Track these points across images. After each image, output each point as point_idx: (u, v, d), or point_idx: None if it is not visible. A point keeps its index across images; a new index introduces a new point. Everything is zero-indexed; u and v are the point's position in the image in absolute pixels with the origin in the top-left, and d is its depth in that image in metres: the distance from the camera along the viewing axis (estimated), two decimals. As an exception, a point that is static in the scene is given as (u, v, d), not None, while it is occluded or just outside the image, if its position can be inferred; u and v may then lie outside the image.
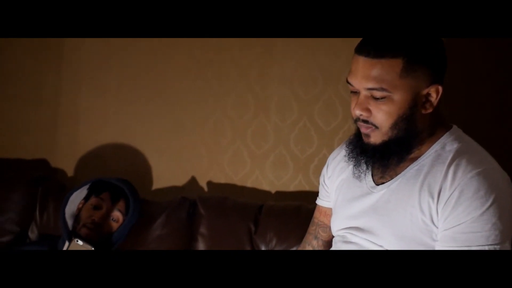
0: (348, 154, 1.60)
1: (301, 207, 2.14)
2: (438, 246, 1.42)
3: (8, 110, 2.50)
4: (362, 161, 1.55)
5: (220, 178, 2.38)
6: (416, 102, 1.45)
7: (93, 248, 1.88)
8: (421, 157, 1.50)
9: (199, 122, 2.39)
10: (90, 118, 2.46)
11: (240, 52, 2.34)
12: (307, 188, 2.32)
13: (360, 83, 1.45)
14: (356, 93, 1.49)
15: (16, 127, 2.50)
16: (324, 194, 1.77)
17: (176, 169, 2.41)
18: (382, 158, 1.50)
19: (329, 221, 1.73)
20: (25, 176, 2.31)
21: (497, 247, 1.36)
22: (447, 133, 1.52)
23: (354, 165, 1.58)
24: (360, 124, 1.50)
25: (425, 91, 1.46)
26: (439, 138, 1.51)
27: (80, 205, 2.09)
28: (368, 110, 1.46)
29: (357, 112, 1.47)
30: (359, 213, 1.57)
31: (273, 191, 2.36)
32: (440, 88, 1.46)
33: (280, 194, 2.34)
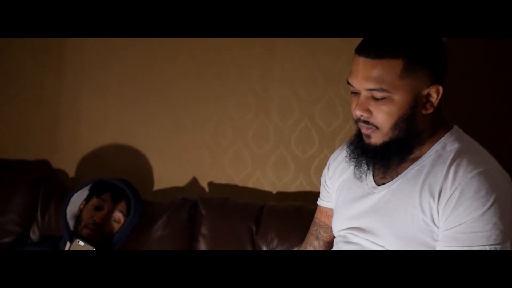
0: (349, 155, 1.60)
1: (302, 207, 2.14)
2: (439, 246, 1.42)
3: (9, 111, 2.50)
4: (363, 161, 1.56)
5: (221, 179, 2.38)
6: (416, 103, 1.45)
7: (94, 249, 1.89)
8: (422, 157, 1.50)
9: (200, 122, 2.39)
10: (91, 118, 2.46)
11: (240, 52, 2.33)
12: (308, 188, 2.32)
13: (360, 83, 1.45)
14: (356, 93, 1.49)
15: (17, 128, 2.50)
16: (325, 194, 1.77)
17: (177, 169, 2.41)
18: (383, 159, 1.50)
19: (330, 221, 1.73)
20: (26, 177, 2.31)
21: (498, 247, 1.36)
22: (448, 133, 1.52)
23: (355, 166, 1.58)
24: (361, 124, 1.50)
25: (425, 92, 1.46)
26: (440, 138, 1.51)
27: (82, 206, 2.09)
28: (368, 111, 1.46)
29: (358, 113, 1.47)
30: (360, 213, 1.57)
31: (274, 191, 2.36)
32: (441, 89, 1.46)
33: (281, 195, 2.34)
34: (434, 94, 1.46)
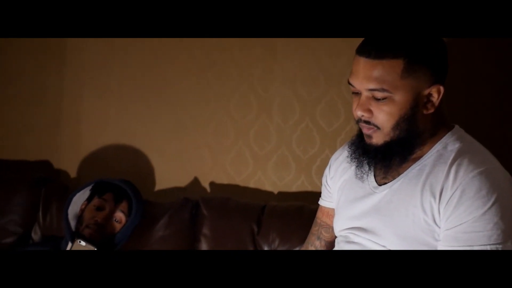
0: (351, 155, 1.60)
1: (304, 207, 2.14)
2: (440, 246, 1.43)
3: (10, 111, 2.50)
4: (365, 162, 1.56)
5: (222, 179, 2.39)
6: (417, 103, 1.45)
7: (95, 249, 1.89)
8: (423, 157, 1.50)
9: (201, 122, 2.39)
10: (92, 119, 2.45)
11: (241, 52, 2.33)
12: (309, 188, 2.32)
13: (361, 84, 1.46)
14: (357, 94, 1.49)
15: (18, 128, 2.50)
16: (326, 194, 1.78)
17: (178, 170, 2.41)
18: (384, 159, 1.50)
19: (332, 221, 1.73)
20: (27, 178, 2.31)
21: (499, 247, 1.36)
22: (449, 133, 1.52)
23: (357, 166, 1.59)
24: (362, 125, 1.50)
25: (426, 92, 1.46)
26: (441, 138, 1.51)
27: (83, 206, 2.09)
28: (369, 111, 1.47)
29: (359, 113, 1.48)
30: (362, 213, 1.57)
31: (275, 191, 2.36)
32: (442, 88, 1.46)
33: (283, 195, 2.34)
34: (435, 94, 1.46)
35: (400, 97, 1.44)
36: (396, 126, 1.46)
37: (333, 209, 1.73)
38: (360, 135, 1.57)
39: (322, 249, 1.77)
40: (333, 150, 1.89)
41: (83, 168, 2.46)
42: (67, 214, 2.07)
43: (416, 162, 1.51)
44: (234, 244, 2.11)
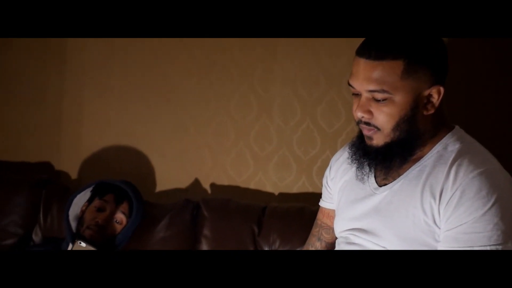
0: (351, 156, 1.60)
1: (304, 208, 2.14)
2: (441, 247, 1.42)
3: (11, 112, 2.50)
4: (365, 163, 1.56)
5: (223, 180, 2.39)
6: (417, 104, 1.45)
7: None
8: (423, 158, 1.50)
9: (202, 123, 2.39)
10: (93, 120, 2.45)
11: (241, 52, 2.33)
12: (310, 189, 2.32)
13: (361, 85, 1.45)
14: (357, 95, 1.49)
15: (19, 130, 2.50)
16: (327, 195, 1.78)
17: (179, 171, 2.41)
18: (385, 160, 1.50)
19: (332, 222, 1.73)
20: (28, 179, 2.31)
21: (500, 247, 1.36)
22: (449, 133, 1.52)
23: (357, 167, 1.58)
24: (362, 126, 1.50)
25: (426, 92, 1.46)
26: (441, 139, 1.51)
27: (84, 207, 2.09)
28: (369, 112, 1.46)
29: (359, 114, 1.48)
30: (362, 214, 1.57)
31: (276, 192, 2.36)
32: (442, 89, 1.46)
33: (283, 196, 2.34)
34: (435, 94, 1.46)
35: (400, 98, 1.44)
36: (396, 127, 1.46)
37: (334, 210, 1.73)
38: (360, 137, 1.57)
39: (323, 250, 1.78)
40: (334, 151, 1.89)
41: (83, 169, 2.46)
42: (67, 216, 2.07)
43: (416, 163, 1.50)
44: (235, 245, 2.11)
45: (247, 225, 2.14)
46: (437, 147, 1.50)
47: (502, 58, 2.14)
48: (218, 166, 2.39)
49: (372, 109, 1.46)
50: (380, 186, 1.55)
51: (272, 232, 2.12)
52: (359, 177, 1.59)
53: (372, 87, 1.44)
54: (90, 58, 2.44)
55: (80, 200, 2.11)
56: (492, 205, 1.37)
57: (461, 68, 2.07)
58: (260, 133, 2.35)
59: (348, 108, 2.24)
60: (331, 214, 1.75)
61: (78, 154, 2.47)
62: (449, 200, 1.41)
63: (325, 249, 1.77)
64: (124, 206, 2.07)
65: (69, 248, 1.93)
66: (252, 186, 2.36)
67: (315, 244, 1.80)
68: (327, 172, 1.77)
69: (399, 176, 1.52)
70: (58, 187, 2.31)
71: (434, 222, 1.44)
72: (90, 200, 2.10)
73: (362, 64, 1.45)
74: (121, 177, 2.22)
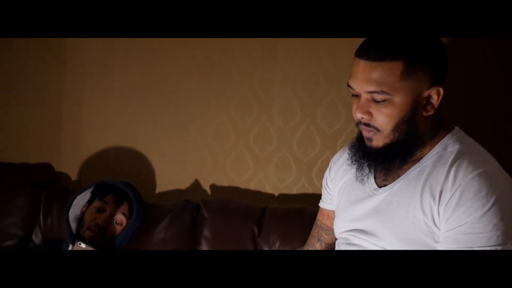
0: (351, 158, 1.60)
1: (304, 209, 2.14)
2: (440, 248, 1.42)
3: (11, 113, 2.50)
4: (365, 164, 1.56)
5: (223, 181, 2.38)
6: (417, 105, 1.45)
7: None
8: (423, 158, 1.50)
9: (202, 124, 2.39)
10: (93, 121, 2.45)
11: (241, 52, 2.33)
12: (310, 190, 2.32)
13: (360, 86, 1.45)
14: (357, 96, 1.49)
15: (19, 131, 2.50)
16: (326, 196, 1.78)
17: (179, 172, 2.41)
18: (385, 161, 1.50)
19: (332, 223, 1.73)
20: (28, 180, 2.31)
21: (499, 248, 1.36)
22: (449, 134, 1.52)
23: (357, 168, 1.58)
24: (362, 127, 1.50)
25: (426, 93, 1.46)
26: (440, 140, 1.51)
27: (84, 209, 2.09)
28: (369, 113, 1.46)
29: (358, 115, 1.48)
30: (362, 215, 1.57)
31: (276, 193, 2.36)
32: (441, 90, 1.46)
33: (283, 197, 2.34)
34: (435, 95, 1.46)
35: (400, 99, 1.44)
36: (396, 128, 1.46)
37: (334, 211, 1.73)
38: (360, 138, 1.57)
39: (323, 251, 1.78)
40: (333, 152, 1.89)
41: (84, 170, 2.46)
42: (68, 217, 2.07)
43: (416, 164, 1.50)
44: (235, 246, 2.10)
45: (247, 226, 2.14)
46: (437, 148, 1.50)
47: (502, 58, 2.14)
48: (218, 167, 2.39)
49: (371, 110, 1.46)
50: (380, 187, 1.55)
51: (272, 233, 2.12)
52: (359, 178, 1.59)
53: (371, 88, 1.44)
54: (90, 58, 2.44)
55: (80, 201, 2.11)
56: (492, 206, 1.37)
57: (461, 68, 2.07)
58: (260, 134, 2.34)
59: (348, 109, 2.24)
60: (331, 215, 1.75)
61: (78, 155, 2.47)
62: (448, 201, 1.41)
63: (325, 249, 1.77)
64: (124, 207, 2.07)
65: (69, 249, 1.93)
66: (252, 187, 2.36)
67: (315, 245, 1.80)
68: (326, 173, 1.77)
69: (398, 177, 1.52)
70: (58, 189, 2.31)
71: (434, 222, 1.44)
72: (90, 201, 2.10)
73: (362, 65, 1.45)
74: (121, 178, 2.22)
